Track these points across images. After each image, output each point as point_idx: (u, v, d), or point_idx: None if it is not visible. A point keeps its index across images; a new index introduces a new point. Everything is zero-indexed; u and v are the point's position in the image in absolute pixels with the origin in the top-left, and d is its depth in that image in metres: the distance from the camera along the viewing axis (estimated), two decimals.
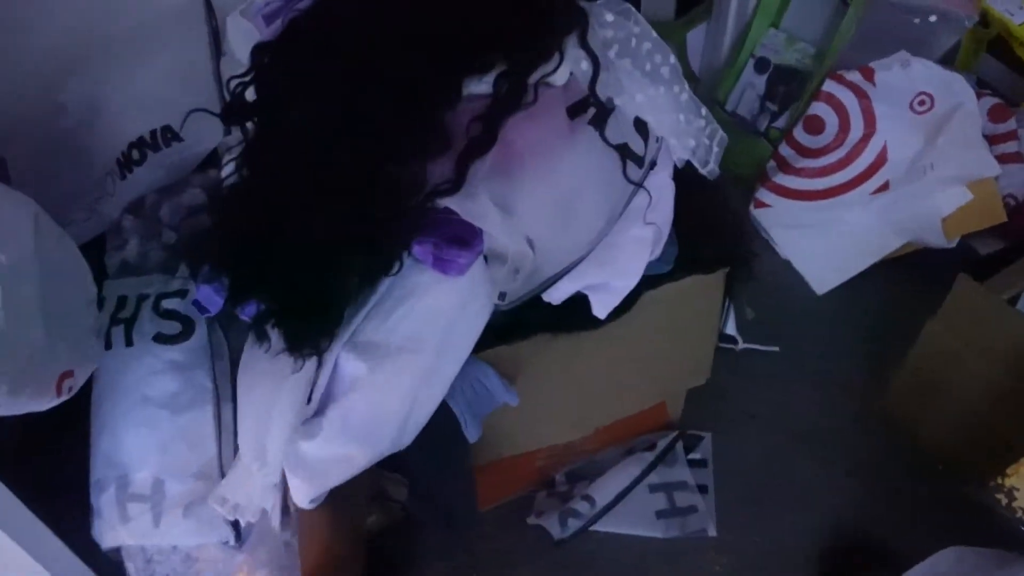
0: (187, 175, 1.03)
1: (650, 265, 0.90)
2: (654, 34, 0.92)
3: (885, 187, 1.39)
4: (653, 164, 0.91)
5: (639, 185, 0.88)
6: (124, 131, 1.02)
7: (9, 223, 0.65)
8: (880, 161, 1.39)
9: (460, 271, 0.81)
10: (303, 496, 0.81)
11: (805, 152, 1.44)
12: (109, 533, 0.93)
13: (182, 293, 0.91)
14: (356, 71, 0.80)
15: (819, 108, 1.42)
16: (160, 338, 0.90)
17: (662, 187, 0.91)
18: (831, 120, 1.42)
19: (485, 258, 0.83)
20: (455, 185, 0.78)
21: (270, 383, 0.83)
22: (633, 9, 0.91)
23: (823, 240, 1.44)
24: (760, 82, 1.54)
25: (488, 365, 0.88)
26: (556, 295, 0.86)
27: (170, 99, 1.02)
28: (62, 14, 1.07)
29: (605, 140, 0.86)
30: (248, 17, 1.03)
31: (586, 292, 0.87)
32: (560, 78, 0.85)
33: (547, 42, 0.82)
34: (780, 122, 1.52)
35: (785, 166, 1.45)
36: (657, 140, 0.91)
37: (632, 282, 0.87)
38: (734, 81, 1.57)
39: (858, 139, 1.39)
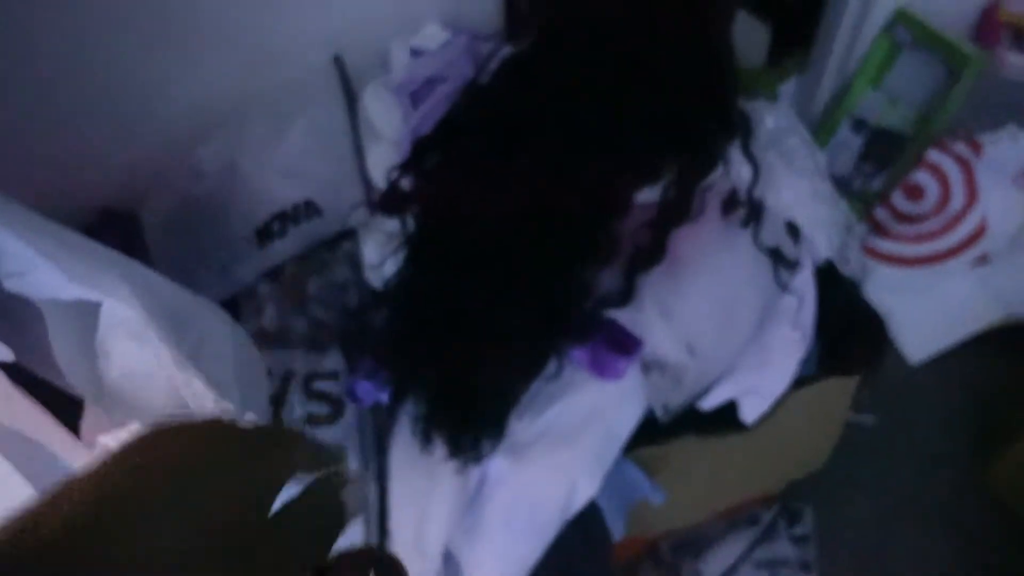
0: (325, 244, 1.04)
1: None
2: (803, 130, 0.93)
3: (984, 259, 1.39)
4: (797, 263, 0.91)
5: (788, 289, 0.88)
6: (266, 201, 1.02)
7: (218, 347, 0.65)
8: (979, 233, 1.39)
9: (618, 376, 0.82)
10: None
11: (902, 218, 1.43)
12: None
13: (335, 376, 0.92)
14: (528, 176, 0.80)
15: (921, 176, 1.42)
16: (310, 419, 0.91)
17: (805, 287, 0.92)
18: (932, 189, 1.42)
19: (645, 364, 0.84)
20: (625, 298, 0.79)
21: (426, 473, 0.84)
22: (787, 106, 0.91)
23: (918, 307, 1.43)
24: (856, 142, 1.53)
25: (633, 463, 0.89)
26: (710, 401, 0.87)
27: (310, 171, 1.02)
28: (199, 78, 1.08)
29: (758, 244, 0.87)
30: (389, 89, 1.04)
31: (736, 397, 0.88)
32: (721, 183, 0.86)
33: (717, 150, 0.83)
34: (875, 183, 1.52)
35: (880, 229, 1.45)
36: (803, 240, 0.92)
37: (783, 386, 0.88)
38: (827, 139, 1.56)
39: (958, 210, 1.39)
